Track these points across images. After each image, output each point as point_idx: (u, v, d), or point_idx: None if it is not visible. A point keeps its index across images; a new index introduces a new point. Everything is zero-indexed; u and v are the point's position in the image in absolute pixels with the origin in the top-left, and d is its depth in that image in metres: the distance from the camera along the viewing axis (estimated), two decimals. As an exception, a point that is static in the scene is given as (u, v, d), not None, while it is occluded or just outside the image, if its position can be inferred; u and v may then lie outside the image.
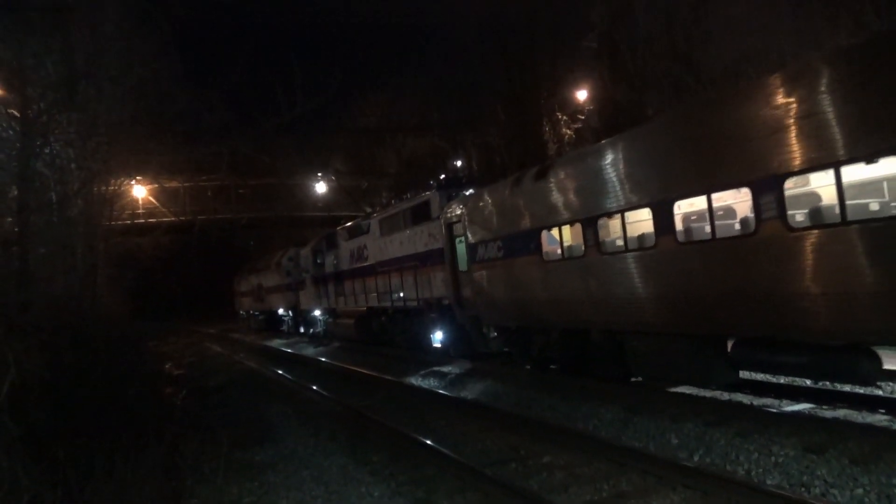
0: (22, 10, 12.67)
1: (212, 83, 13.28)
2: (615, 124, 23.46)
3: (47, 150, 13.81)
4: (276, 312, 41.63)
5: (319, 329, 33.09)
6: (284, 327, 40.56)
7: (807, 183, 8.34)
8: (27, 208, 12.80)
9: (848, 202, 7.32)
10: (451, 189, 18.37)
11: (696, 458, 7.69)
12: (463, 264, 15.84)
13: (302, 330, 36.49)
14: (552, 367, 13.69)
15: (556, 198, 12.10)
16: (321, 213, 46.75)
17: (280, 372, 21.09)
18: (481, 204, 14.77)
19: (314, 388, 16.46)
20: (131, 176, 17.72)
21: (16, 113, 13.47)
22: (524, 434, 9.53)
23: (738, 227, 8.83)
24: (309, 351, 28.21)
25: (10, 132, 13.07)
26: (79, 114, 13.60)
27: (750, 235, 8.25)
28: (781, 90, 7.86)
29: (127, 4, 13.54)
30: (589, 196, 11.15)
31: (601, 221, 10.94)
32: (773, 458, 7.19)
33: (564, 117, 34.11)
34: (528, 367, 14.37)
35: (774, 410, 9.14)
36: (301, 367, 22.30)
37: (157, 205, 34.47)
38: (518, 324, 14.13)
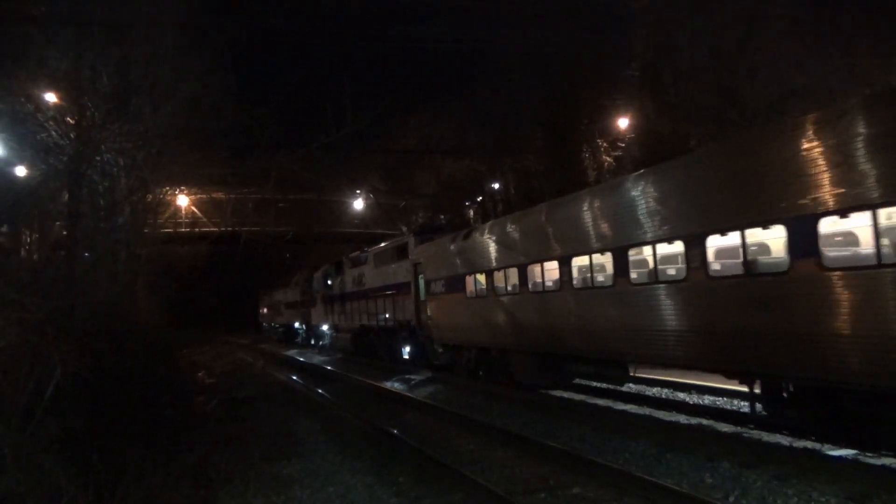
0: (83, 24, 13.17)
1: (262, 100, 13.64)
2: (657, 154, 23.28)
3: (98, 158, 14.25)
4: (293, 326, 47.63)
5: (326, 342, 38.24)
6: (298, 339, 46.43)
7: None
8: (76, 214, 13.19)
9: (597, 275, 12.42)
10: (427, 234, 22.48)
11: (731, 500, 7.48)
12: (423, 295, 20.86)
13: (312, 342, 41.93)
14: (480, 374, 17.83)
15: (475, 253, 17.14)
16: (358, 229, 47.20)
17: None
18: (434, 251, 20.02)
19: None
20: (177, 185, 18.16)
21: (71, 121, 13.96)
22: (554, 464, 9.39)
23: (554, 284, 13.61)
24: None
25: (66, 140, 13.53)
26: (131, 124, 14.01)
27: (558, 290, 13.40)
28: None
29: (184, 21, 13.96)
30: (489, 254, 16.29)
31: (495, 273, 15.99)
32: (811, 505, 6.96)
33: (605, 144, 33.96)
34: (463, 374, 18.73)
35: (815, 454, 8.86)
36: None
37: (200, 214, 35.21)
38: (454, 342, 19.18)
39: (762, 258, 9.13)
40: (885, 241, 7.20)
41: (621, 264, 11.42)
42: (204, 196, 32.50)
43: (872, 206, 7.18)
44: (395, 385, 19.72)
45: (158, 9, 14.09)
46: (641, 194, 11.03)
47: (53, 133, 13.71)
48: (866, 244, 7.67)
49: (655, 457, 9.27)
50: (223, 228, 28.81)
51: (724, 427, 10.68)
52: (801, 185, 7.96)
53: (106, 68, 13.98)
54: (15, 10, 12.39)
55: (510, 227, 15.65)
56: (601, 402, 13.92)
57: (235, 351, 44.01)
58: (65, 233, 13.70)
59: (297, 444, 12.02)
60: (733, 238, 9.16)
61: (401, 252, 23.96)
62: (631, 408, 13.09)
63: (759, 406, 9.79)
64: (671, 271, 10.54)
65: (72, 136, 13.58)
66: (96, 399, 8.80)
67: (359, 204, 47.91)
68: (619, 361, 12.55)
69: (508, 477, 9.02)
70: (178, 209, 36.08)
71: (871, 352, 7.30)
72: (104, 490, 6.99)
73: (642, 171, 12.43)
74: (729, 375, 10.00)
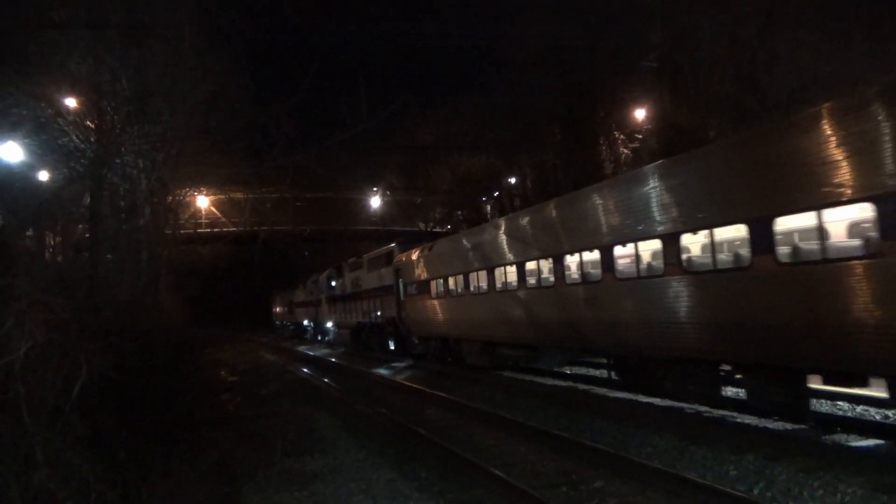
0: (102, 27, 13.30)
1: (279, 98, 13.69)
2: (675, 146, 23.05)
3: (118, 161, 14.40)
4: (302, 323, 53.82)
5: (330, 337, 43.13)
6: (307, 335, 52.02)
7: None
8: (98, 216, 13.36)
9: (509, 282, 16.96)
10: (410, 244, 26.40)
11: (755, 492, 7.41)
12: (403, 296, 25.16)
13: (319, 337, 47.04)
14: (448, 360, 22.00)
15: (437, 262, 21.74)
16: (375, 226, 47.30)
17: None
18: (410, 259, 24.31)
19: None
20: (196, 186, 18.31)
21: (91, 125, 14.12)
22: (576, 458, 9.37)
23: (486, 287, 17.93)
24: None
25: (86, 144, 13.69)
26: (150, 126, 14.13)
27: (486, 293, 17.94)
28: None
29: (202, 22, 14.06)
30: (446, 263, 20.88)
31: (450, 279, 20.52)
32: (838, 497, 6.87)
33: (622, 136, 33.67)
34: (433, 360, 23.28)
35: (840, 446, 8.75)
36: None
37: (219, 215, 35.61)
38: (425, 335, 23.93)
39: (591, 270, 13.30)
40: (643, 263, 11.72)
41: (522, 274, 15.96)
42: (223, 196, 32.75)
43: (635, 240, 11.62)
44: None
45: (176, 10, 14.19)
46: (531, 223, 15.82)
47: (74, 137, 13.86)
48: (631, 262, 12.08)
49: (679, 450, 9.21)
50: (242, 228, 29.10)
51: (749, 420, 10.58)
52: (603, 224, 12.72)
53: (125, 71, 14.10)
54: (37, 16, 12.54)
55: (458, 242, 20.75)
56: (623, 395, 13.85)
57: (257, 349, 44.83)
58: (87, 235, 13.87)
59: (318, 440, 12.11)
60: (576, 257, 13.65)
61: (388, 258, 27.92)
62: (654, 401, 13.00)
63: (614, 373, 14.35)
64: (551, 279, 14.70)
65: (92, 139, 13.73)
66: (122, 397, 8.91)
67: (376, 201, 48.04)
68: (531, 346, 16.51)
69: (531, 472, 9.01)
70: (197, 210, 36.45)
71: (644, 332, 11.54)
72: (131, 487, 7.09)
73: (531, 207, 17.21)
74: (588, 354, 15.27)
